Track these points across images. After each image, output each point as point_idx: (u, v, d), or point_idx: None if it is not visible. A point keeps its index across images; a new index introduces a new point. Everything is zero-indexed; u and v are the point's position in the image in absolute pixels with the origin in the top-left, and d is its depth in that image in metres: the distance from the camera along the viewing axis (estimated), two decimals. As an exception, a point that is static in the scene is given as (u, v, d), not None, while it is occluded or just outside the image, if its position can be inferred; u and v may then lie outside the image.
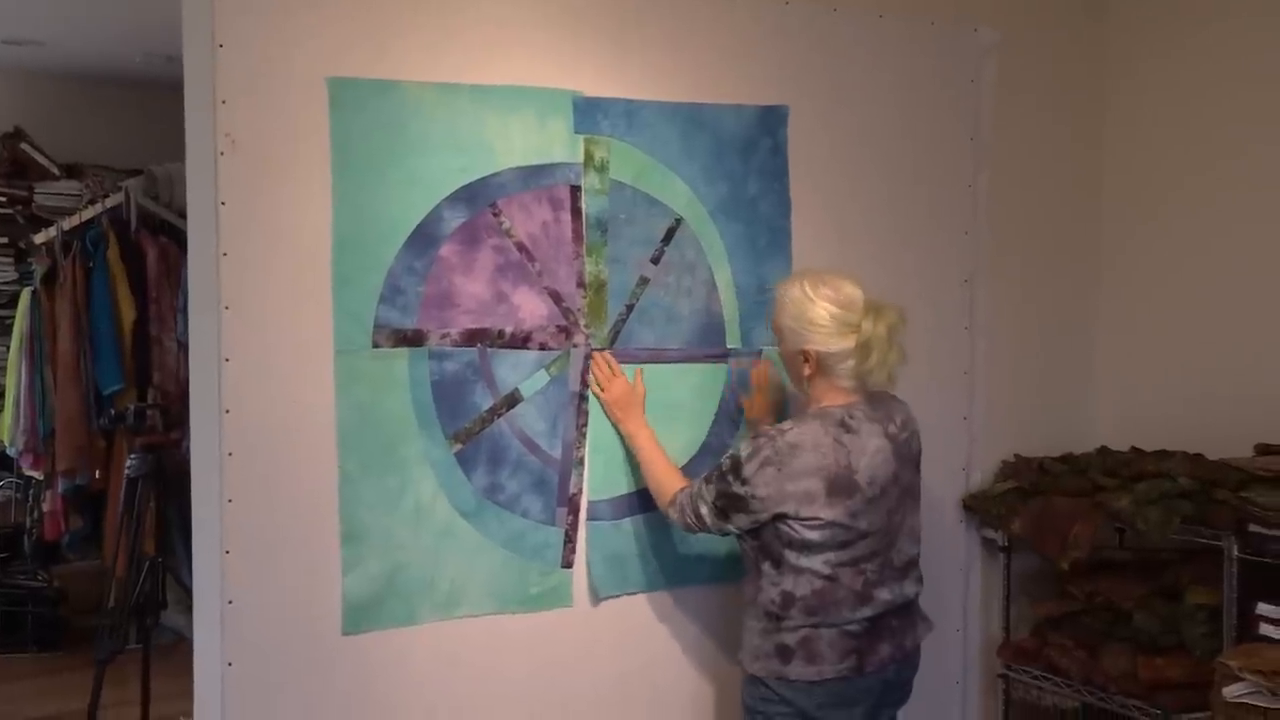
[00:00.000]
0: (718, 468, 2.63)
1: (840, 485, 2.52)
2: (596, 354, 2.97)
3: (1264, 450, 3.21)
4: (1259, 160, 3.44)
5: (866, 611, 2.58)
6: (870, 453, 2.57)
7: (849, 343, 2.57)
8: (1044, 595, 3.55)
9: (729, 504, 2.58)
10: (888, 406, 2.69)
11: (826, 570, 2.54)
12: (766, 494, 2.52)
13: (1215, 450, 3.24)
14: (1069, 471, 3.39)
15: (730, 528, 2.62)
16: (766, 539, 2.58)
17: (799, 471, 2.51)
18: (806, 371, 2.64)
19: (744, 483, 2.54)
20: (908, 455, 2.69)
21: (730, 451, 2.65)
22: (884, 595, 2.62)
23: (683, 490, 2.73)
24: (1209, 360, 3.55)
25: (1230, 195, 3.52)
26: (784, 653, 2.58)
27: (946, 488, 3.51)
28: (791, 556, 2.55)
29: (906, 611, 2.70)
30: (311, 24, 2.62)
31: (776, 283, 2.78)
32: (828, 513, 2.51)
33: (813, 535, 2.52)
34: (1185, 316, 3.62)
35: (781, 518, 2.53)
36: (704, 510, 2.63)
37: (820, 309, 2.58)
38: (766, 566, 2.60)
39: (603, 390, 2.96)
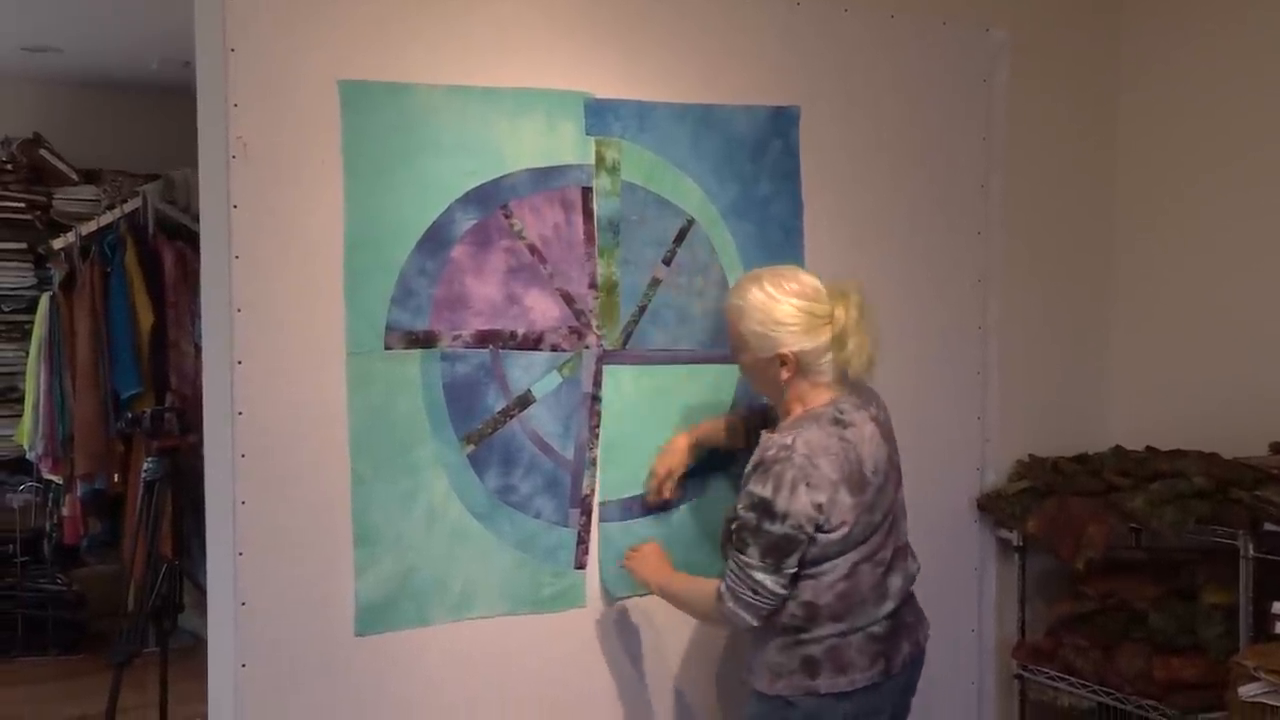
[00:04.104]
0: (744, 528, 2.44)
1: (856, 483, 2.45)
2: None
3: (1279, 449, 3.20)
4: (1272, 159, 3.43)
5: (888, 607, 2.53)
6: (868, 441, 2.50)
7: (825, 336, 2.47)
8: (1059, 595, 3.54)
9: (779, 551, 2.41)
10: (860, 391, 2.59)
11: (846, 569, 2.46)
12: (806, 515, 2.38)
13: (1230, 449, 3.24)
14: (1083, 471, 3.38)
15: (788, 573, 2.42)
16: None
17: (824, 481, 2.40)
18: (785, 375, 2.51)
19: (784, 519, 2.38)
20: (889, 433, 2.61)
21: (744, 502, 2.45)
22: (897, 582, 2.56)
23: (719, 582, 2.51)
24: (1224, 359, 3.54)
25: (1244, 194, 3.51)
26: (811, 666, 2.49)
27: (960, 488, 3.51)
28: (811, 569, 2.46)
29: (912, 602, 2.65)
30: (322, 27, 2.63)
31: (730, 293, 2.64)
32: (851, 515, 2.44)
33: (838, 545, 2.44)
34: (1199, 315, 3.61)
35: (816, 531, 2.41)
36: (759, 576, 2.42)
37: (788, 306, 2.48)
38: None
39: (629, 564, 2.84)
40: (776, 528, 2.40)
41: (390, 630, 2.73)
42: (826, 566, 2.46)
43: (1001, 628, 3.62)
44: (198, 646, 4.89)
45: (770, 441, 2.47)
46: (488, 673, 2.84)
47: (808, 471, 2.40)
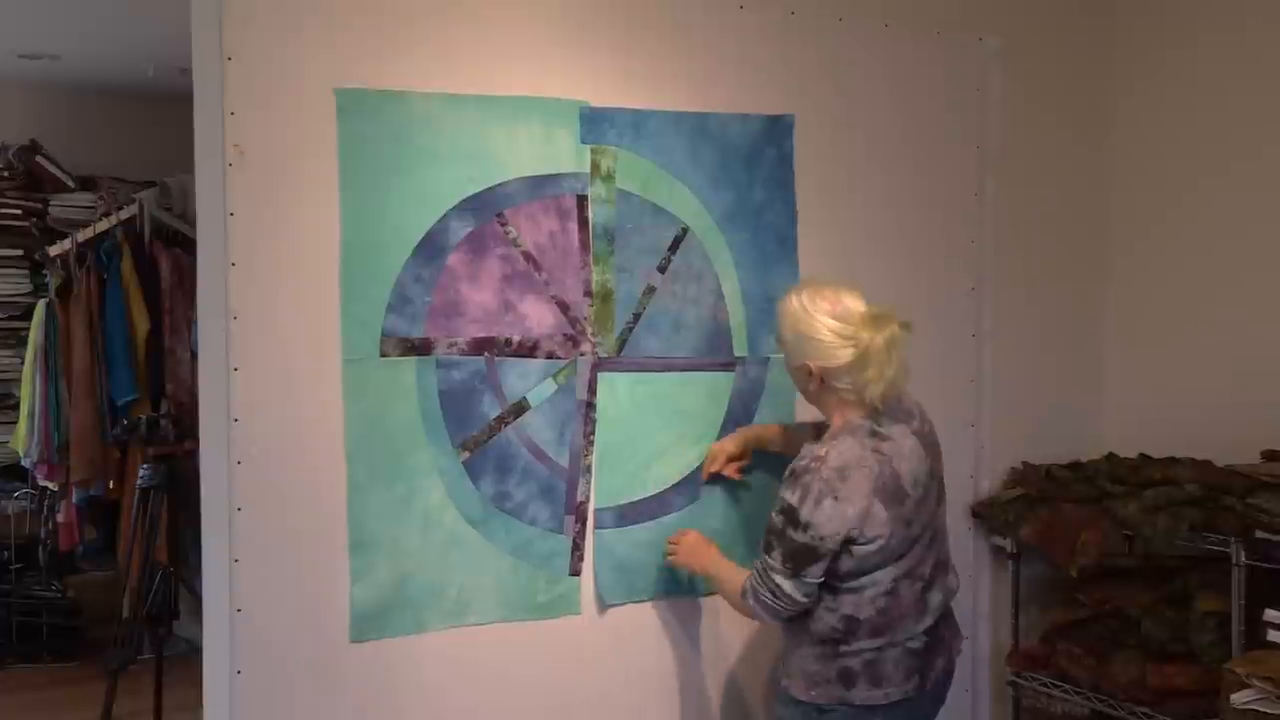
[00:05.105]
0: (768, 535, 2.51)
1: (892, 496, 2.47)
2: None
3: (1271, 456, 3.21)
4: (1266, 166, 3.45)
5: (927, 622, 2.56)
6: (908, 455, 2.53)
7: (846, 356, 2.49)
8: (1053, 602, 3.55)
9: (800, 559, 2.45)
10: (903, 403, 2.62)
11: (888, 584, 2.50)
12: (831, 529, 2.42)
13: (1223, 457, 3.25)
14: (1077, 478, 3.39)
15: (810, 581, 2.47)
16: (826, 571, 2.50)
17: (854, 493, 2.43)
18: (812, 386, 2.58)
19: (806, 528, 2.43)
20: (933, 445, 2.65)
21: (777, 506, 2.50)
22: (937, 597, 2.60)
23: (747, 577, 2.59)
24: (1216, 366, 3.55)
25: (1237, 201, 3.53)
26: (848, 677, 2.53)
27: (954, 495, 3.44)
28: (850, 582, 2.50)
29: (950, 617, 2.69)
30: (319, 36, 2.64)
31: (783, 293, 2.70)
32: (887, 528, 2.46)
33: (876, 557, 2.47)
34: (1192, 323, 3.63)
35: (847, 544, 2.45)
36: (778, 580, 2.48)
37: (818, 323, 2.52)
38: (822, 595, 2.53)
39: (675, 557, 2.93)
40: (798, 536, 2.44)
41: (386, 637, 2.74)
42: (866, 580, 2.50)
43: (995, 635, 3.63)
44: (193, 654, 4.90)
45: (805, 451, 2.53)
46: (483, 679, 2.85)
47: (834, 485, 2.43)
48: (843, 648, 2.53)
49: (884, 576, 2.50)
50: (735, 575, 2.69)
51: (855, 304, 2.54)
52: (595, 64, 2.95)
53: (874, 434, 2.51)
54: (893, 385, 2.50)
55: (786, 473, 2.53)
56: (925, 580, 2.57)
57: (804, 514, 2.43)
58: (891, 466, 2.49)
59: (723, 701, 3.15)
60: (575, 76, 2.92)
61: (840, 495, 2.43)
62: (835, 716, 2.55)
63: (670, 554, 2.94)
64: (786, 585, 2.48)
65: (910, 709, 2.58)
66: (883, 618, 2.51)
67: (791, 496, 2.46)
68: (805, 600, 2.50)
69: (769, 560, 2.51)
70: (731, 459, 3.04)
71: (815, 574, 2.47)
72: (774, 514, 2.51)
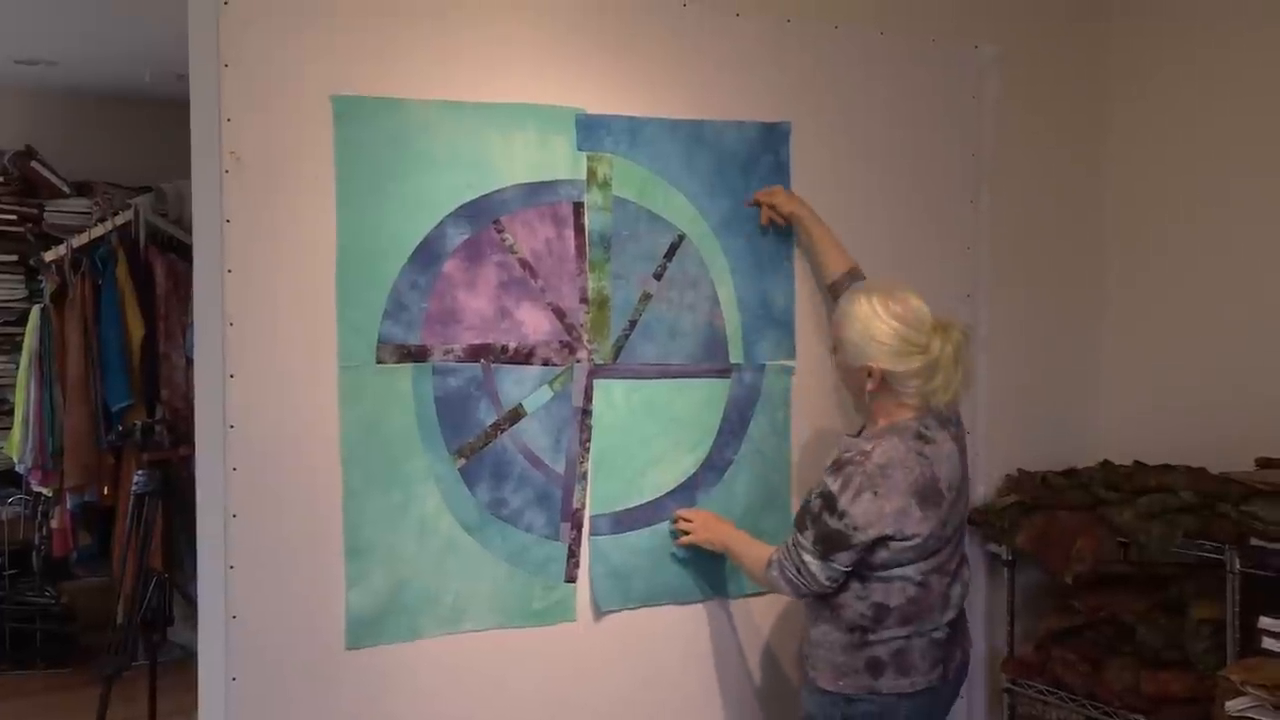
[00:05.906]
0: (807, 511, 2.57)
1: (929, 497, 2.52)
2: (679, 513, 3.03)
3: (1265, 464, 3.21)
4: (1260, 175, 3.46)
5: (950, 614, 2.62)
6: (946, 458, 2.57)
7: (915, 363, 2.52)
8: (1047, 609, 3.54)
9: (831, 544, 2.51)
10: (945, 409, 2.64)
11: (918, 578, 2.55)
12: (866, 521, 2.47)
13: (1217, 464, 3.25)
14: (1072, 485, 3.39)
15: (837, 567, 2.52)
16: (857, 561, 2.54)
17: (893, 491, 2.48)
18: (870, 387, 2.59)
19: (841, 516, 2.48)
20: (964, 450, 2.69)
21: (817, 490, 2.56)
22: (959, 590, 2.65)
23: (776, 549, 2.65)
24: (1211, 374, 3.55)
25: (1231, 210, 3.53)
26: (875, 666, 2.57)
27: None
28: (881, 572, 2.54)
29: (963, 613, 2.73)
30: (316, 42, 2.64)
31: (843, 295, 2.73)
32: (924, 527, 2.51)
33: (910, 553, 2.52)
34: (1187, 330, 3.63)
35: (882, 541, 2.50)
36: (806, 558, 2.54)
37: (887, 327, 2.53)
38: (852, 583, 2.57)
39: (692, 534, 2.98)
40: (833, 522, 2.50)
41: (381, 643, 2.73)
42: (897, 572, 2.54)
43: (990, 641, 3.63)
44: (188, 660, 4.89)
45: (851, 445, 2.58)
46: (478, 686, 2.84)
47: (875, 480, 2.48)
48: (871, 636, 2.57)
49: (914, 570, 2.54)
50: (756, 547, 2.77)
51: (923, 310, 2.57)
52: (591, 71, 2.95)
53: (919, 436, 2.55)
54: (956, 394, 2.56)
55: (830, 461, 2.58)
56: (950, 575, 2.63)
57: (842, 503, 2.48)
58: (932, 469, 2.54)
59: (720, 706, 3.14)
60: (571, 84, 2.93)
61: (880, 491, 2.48)
62: (863, 706, 2.58)
63: (684, 532, 2.99)
64: (813, 565, 2.54)
65: (934, 698, 2.63)
66: (913, 606, 2.56)
67: (833, 484, 2.51)
68: (828, 584, 2.55)
69: (800, 538, 2.56)
70: (775, 209, 3.11)
71: (843, 561, 2.52)
72: (813, 497, 2.57)
